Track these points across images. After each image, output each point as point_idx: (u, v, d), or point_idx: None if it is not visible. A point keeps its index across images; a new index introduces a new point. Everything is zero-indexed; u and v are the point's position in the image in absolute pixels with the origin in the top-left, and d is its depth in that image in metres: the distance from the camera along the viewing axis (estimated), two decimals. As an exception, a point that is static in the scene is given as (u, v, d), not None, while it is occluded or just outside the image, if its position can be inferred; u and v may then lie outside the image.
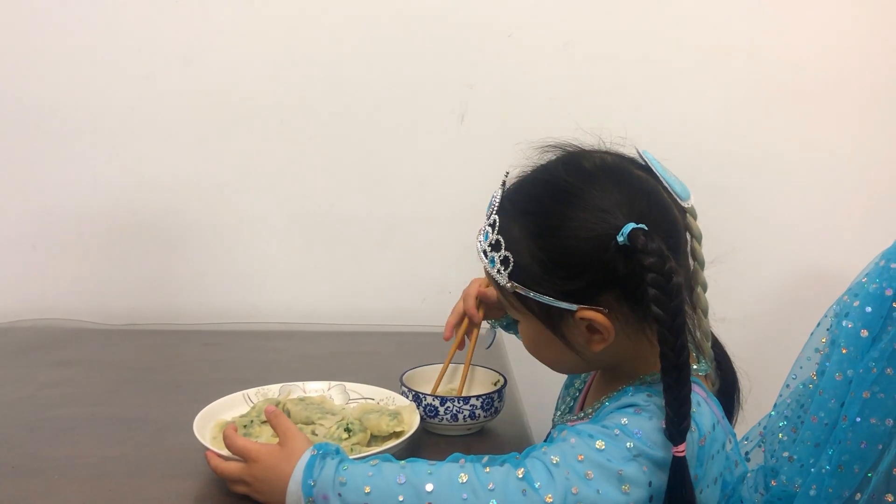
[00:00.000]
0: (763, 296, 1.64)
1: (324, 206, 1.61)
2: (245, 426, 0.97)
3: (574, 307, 0.80)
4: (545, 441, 0.82)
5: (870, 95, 1.57)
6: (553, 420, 1.06)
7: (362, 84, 1.56)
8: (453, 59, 1.55)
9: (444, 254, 1.61)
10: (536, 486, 0.73)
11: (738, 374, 0.97)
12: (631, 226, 0.76)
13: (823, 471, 0.96)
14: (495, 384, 1.13)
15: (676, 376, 0.75)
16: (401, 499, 0.75)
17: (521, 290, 0.82)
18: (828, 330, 1.05)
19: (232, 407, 1.04)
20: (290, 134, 1.58)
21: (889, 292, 0.96)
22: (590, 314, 0.80)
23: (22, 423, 1.09)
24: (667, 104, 1.58)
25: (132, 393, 1.22)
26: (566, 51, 1.54)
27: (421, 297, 1.60)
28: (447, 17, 1.53)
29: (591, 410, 0.90)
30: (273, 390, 1.10)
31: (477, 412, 1.06)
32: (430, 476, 0.76)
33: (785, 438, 1.02)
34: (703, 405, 0.84)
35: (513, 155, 1.52)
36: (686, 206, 0.85)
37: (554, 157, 0.87)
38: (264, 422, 0.96)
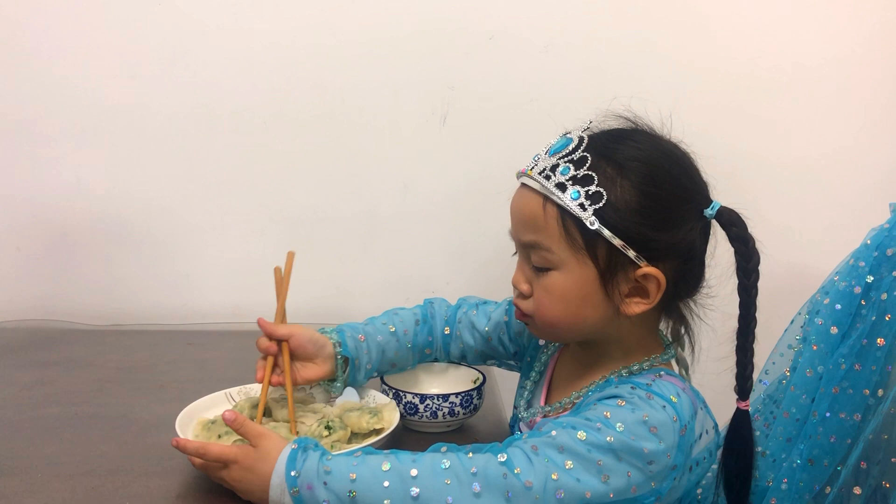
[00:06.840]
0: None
1: (307, 207, 1.62)
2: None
3: (642, 261, 0.84)
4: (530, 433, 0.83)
5: (845, 99, 1.58)
6: (517, 413, 1.03)
7: (345, 86, 1.57)
8: (435, 62, 1.55)
9: (427, 254, 1.62)
10: (516, 471, 0.76)
11: None
12: (719, 204, 0.87)
13: (795, 465, 0.99)
14: (475, 382, 1.15)
15: (745, 335, 0.89)
16: (386, 484, 0.76)
17: (601, 228, 0.83)
18: (801, 327, 1.08)
19: (214, 406, 1.05)
20: (273, 135, 1.59)
21: (858, 290, 0.98)
22: (652, 271, 0.84)
23: (5, 422, 1.09)
24: (646, 107, 1.59)
25: (116, 392, 1.22)
26: (547, 53, 1.56)
27: (404, 297, 1.60)
28: (428, 20, 1.54)
29: (568, 401, 0.92)
30: (255, 389, 1.11)
31: (456, 409, 1.07)
32: (414, 462, 0.78)
33: (757, 433, 1.04)
34: (683, 395, 0.85)
35: (494, 155, 1.53)
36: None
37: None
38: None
